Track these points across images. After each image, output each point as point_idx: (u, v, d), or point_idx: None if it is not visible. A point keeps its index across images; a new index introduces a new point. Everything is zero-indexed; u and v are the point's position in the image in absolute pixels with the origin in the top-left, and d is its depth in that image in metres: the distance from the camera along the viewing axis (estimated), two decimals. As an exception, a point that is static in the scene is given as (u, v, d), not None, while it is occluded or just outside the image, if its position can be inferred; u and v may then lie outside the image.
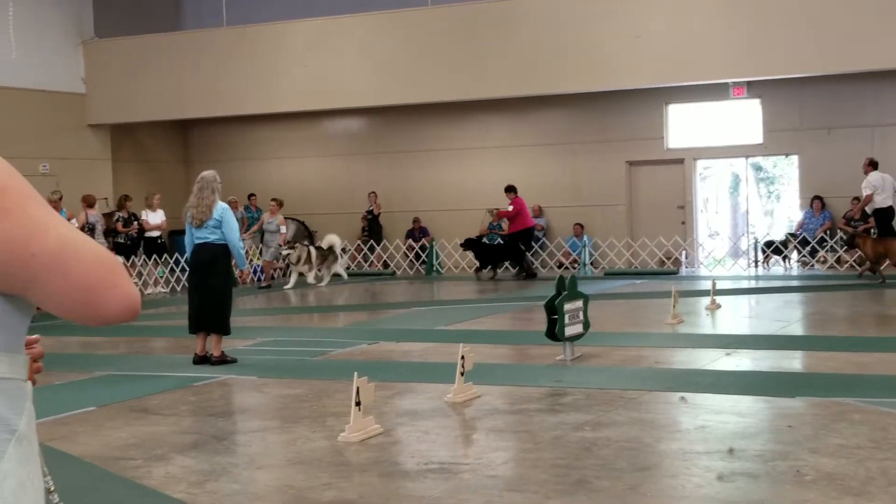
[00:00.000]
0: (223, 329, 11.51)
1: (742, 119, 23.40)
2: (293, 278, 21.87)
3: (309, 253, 22.02)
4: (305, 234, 25.94)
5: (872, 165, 20.19)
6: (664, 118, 23.88)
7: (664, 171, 24.04)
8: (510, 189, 22.35)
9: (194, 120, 26.44)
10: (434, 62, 22.58)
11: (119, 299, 1.86)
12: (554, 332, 10.71)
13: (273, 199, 23.23)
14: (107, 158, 25.43)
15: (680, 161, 23.90)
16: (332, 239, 22.57)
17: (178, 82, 24.35)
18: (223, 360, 11.45)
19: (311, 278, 22.07)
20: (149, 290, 21.55)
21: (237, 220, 12.66)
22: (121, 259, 2.14)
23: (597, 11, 21.59)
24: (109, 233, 21.32)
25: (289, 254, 21.88)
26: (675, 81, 22.11)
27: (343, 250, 23.31)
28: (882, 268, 18.93)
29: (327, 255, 22.32)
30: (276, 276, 23.39)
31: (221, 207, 11.51)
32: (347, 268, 24.84)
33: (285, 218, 23.39)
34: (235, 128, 26.89)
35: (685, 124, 23.91)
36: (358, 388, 7.69)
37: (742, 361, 10.96)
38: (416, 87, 22.83)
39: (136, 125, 26.10)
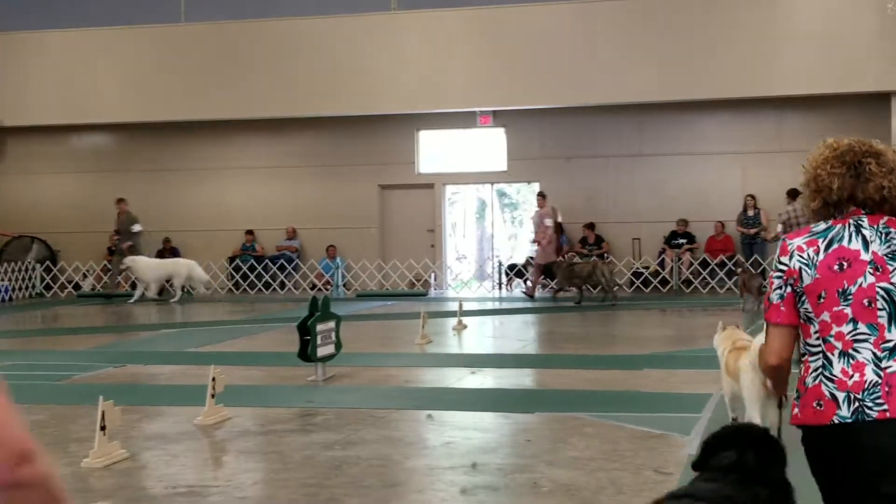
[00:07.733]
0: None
1: (488, 147, 24.21)
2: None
3: None
4: (48, 254, 24.98)
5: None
6: (415, 144, 24.39)
7: (415, 196, 24.54)
8: None
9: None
10: (189, 79, 22.31)
11: None
12: (306, 352, 10.82)
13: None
14: None
15: (430, 186, 24.46)
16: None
17: None
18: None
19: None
20: None
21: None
22: None
23: (357, 38, 21.97)
24: None
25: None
26: (427, 108, 22.70)
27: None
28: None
29: None
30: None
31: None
32: (93, 288, 24.16)
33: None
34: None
35: (435, 150, 24.51)
36: (103, 412, 7.57)
37: (486, 379, 11.44)
38: (168, 104, 22.49)
39: None
